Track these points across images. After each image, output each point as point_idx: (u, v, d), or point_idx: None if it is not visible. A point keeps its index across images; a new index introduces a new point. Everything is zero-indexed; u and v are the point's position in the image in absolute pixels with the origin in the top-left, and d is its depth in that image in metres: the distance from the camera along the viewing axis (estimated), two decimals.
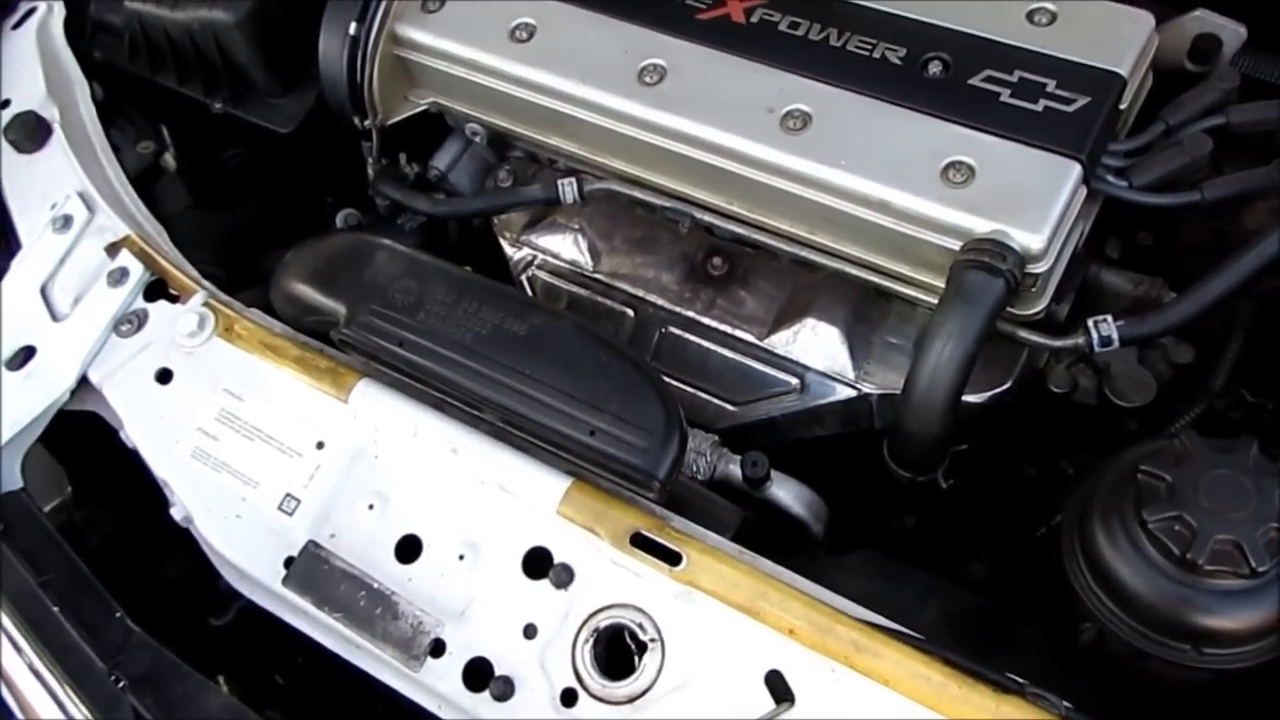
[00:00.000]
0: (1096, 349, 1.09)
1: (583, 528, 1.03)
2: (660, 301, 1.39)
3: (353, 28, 1.37)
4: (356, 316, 1.14)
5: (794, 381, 1.30)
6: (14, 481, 1.28)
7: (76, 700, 1.12)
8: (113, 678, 1.11)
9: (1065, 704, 0.87)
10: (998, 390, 1.20)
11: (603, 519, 1.03)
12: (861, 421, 1.29)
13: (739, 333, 1.34)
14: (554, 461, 1.07)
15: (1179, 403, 1.20)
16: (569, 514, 1.04)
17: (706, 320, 1.36)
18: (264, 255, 1.52)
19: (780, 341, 1.32)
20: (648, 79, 1.25)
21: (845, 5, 1.25)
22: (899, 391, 1.12)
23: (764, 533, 1.14)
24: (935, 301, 1.12)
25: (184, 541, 1.21)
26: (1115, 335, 1.08)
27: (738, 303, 1.36)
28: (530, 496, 1.06)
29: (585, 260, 1.44)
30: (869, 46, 1.21)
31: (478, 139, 1.46)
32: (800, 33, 1.24)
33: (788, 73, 1.21)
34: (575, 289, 1.44)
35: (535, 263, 1.47)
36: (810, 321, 1.30)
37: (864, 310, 1.29)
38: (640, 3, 1.31)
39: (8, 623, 1.18)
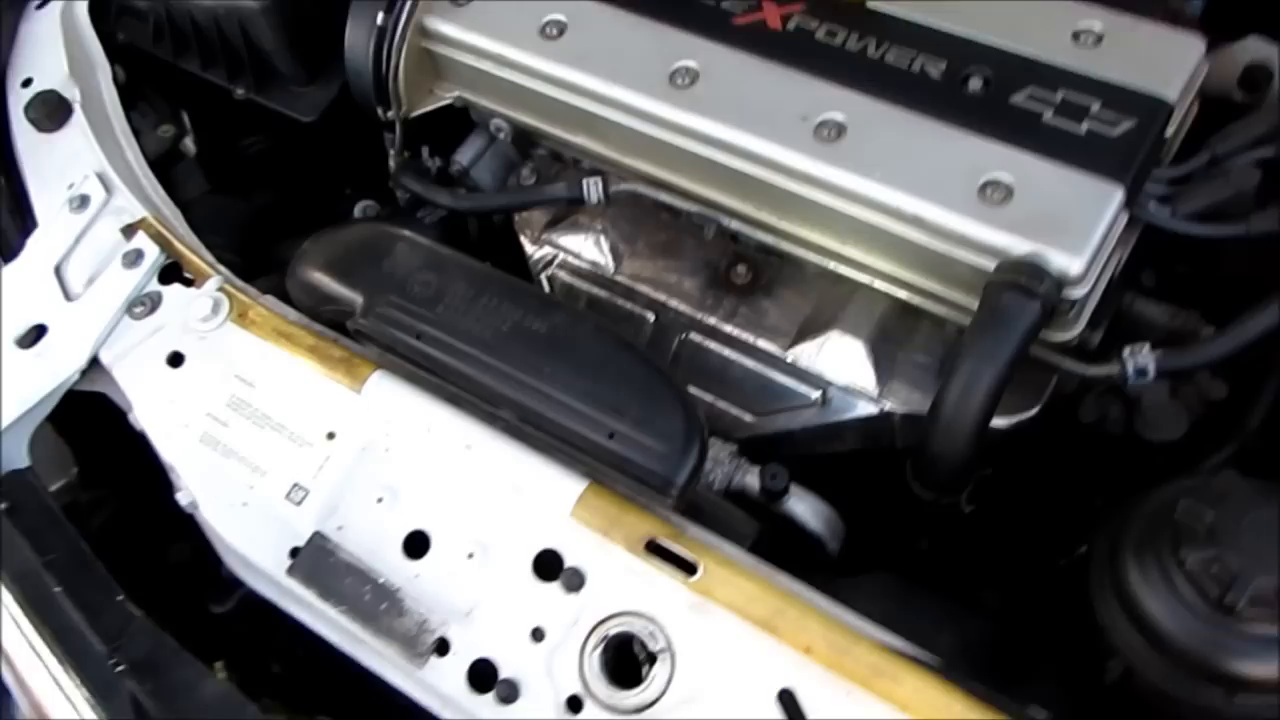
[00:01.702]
0: (1131, 379, 1.06)
1: (597, 532, 1.00)
2: (681, 307, 1.36)
3: (380, 18, 1.35)
4: (374, 307, 1.12)
5: (815, 395, 1.27)
6: (20, 460, 1.26)
7: (75, 681, 1.10)
8: (112, 661, 1.09)
9: None
10: (1024, 416, 1.18)
11: (618, 524, 1.00)
12: (882, 439, 1.26)
13: (761, 342, 1.31)
14: (570, 463, 1.05)
15: (1206, 440, 1.17)
16: (583, 517, 1.02)
17: (728, 328, 1.34)
18: (281, 243, 1.51)
19: (803, 354, 1.29)
20: (679, 81, 1.23)
21: (884, 17, 1.23)
22: (923, 411, 1.10)
23: (777, 548, 1.12)
24: (965, 321, 1.10)
25: (188, 527, 1.19)
26: (1151, 366, 1.05)
27: (761, 312, 1.33)
28: (544, 497, 1.03)
29: (607, 262, 1.42)
30: (908, 59, 1.19)
31: (502, 135, 1.44)
32: (837, 42, 1.22)
33: (823, 81, 1.18)
34: (595, 290, 1.42)
35: (556, 262, 1.45)
36: (835, 335, 1.27)
37: (890, 326, 1.26)
38: (674, 5, 1.29)
39: (9, 601, 1.16)
